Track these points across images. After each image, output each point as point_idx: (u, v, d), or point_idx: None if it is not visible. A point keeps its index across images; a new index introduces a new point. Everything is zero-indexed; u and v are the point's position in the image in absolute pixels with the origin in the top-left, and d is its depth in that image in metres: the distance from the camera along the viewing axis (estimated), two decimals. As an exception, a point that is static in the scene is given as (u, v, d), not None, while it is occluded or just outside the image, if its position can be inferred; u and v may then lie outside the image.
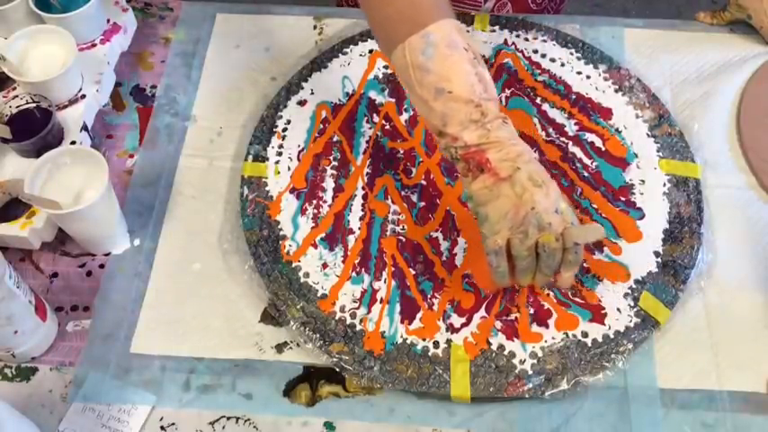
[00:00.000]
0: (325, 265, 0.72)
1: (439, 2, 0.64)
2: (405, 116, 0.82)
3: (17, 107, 0.74)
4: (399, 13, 0.64)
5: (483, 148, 0.61)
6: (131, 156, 0.81)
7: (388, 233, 0.74)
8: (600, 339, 0.68)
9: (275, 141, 0.80)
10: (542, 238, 0.60)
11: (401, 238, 0.74)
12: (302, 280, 0.71)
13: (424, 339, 0.68)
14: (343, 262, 0.72)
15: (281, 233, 0.74)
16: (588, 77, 0.84)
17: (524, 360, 0.66)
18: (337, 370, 0.66)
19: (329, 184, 0.77)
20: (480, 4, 0.93)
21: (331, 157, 0.79)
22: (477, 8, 0.93)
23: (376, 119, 0.82)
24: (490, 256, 0.63)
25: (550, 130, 0.81)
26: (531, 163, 0.62)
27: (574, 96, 0.83)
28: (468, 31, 0.88)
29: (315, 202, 0.76)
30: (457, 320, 0.69)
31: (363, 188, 0.77)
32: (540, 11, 0.97)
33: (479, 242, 0.64)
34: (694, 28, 0.90)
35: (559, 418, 0.65)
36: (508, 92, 0.83)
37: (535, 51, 0.86)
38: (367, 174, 0.78)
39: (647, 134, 0.80)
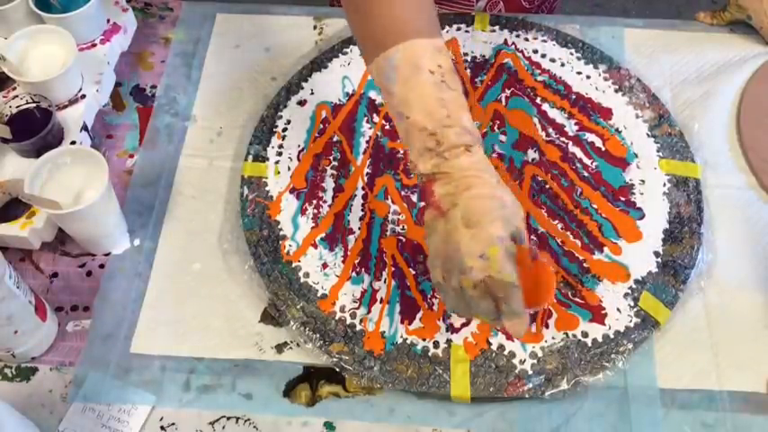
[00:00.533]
0: (325, 265, 0.72)
1: (419, 17, 0.60)
2: (405, 116, 0.82)
3: (17, 107, 0.74)
4: (373, 31, 0.61)
5: (433, 178, 0.58)
6: (131, 156, 0.81)
7: (388, 233, 0.74)
8: (600, 339, 0.68)
9: (275, 141, 0.80)
10: (462, 281, 0.56)
11: (401, 238, 0.74)
12: (302, 280, 0.71)
13: (424, 339, 0.68)
14: (343, 262, 0.72)
15: (281, 233, 0.74)
16: (588, 77, 0.84)
17: (524, 360, 0.66)
18: (337, 370, 0.66)
19: (329, 184, 0.77)
20: (473, 3, 0.93)
21: (331, 157, 0.79)
22: (470, 8, 0.93)
23: (376, 119, 0.82)
24: (436, 289, 0.61)
25: (550, 130, 0.81)
26: (478, 199, 0.57)
27: (574, 96, 0.83)
28: (467, 32, 0.88)
29: (315, 202, 0.76)
30: (457, 320, 0.69)
31: (363, 188, 0.77)
32: (532, 10, 0.97)
33: None
34: (694, 28, 0.90)
35: (559, 418, 0.65)
36: (508, 92, 0.83)
37: (535, 51, 0.86)
38: (367, 174, 0.78)
39: (647, 134, 0.80)
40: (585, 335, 0.68)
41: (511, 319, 0.57)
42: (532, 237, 0.73)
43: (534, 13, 0.97)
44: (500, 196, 0.58)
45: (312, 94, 0.84)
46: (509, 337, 0.68)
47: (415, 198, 0.76)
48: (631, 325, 0.68)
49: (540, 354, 0.67)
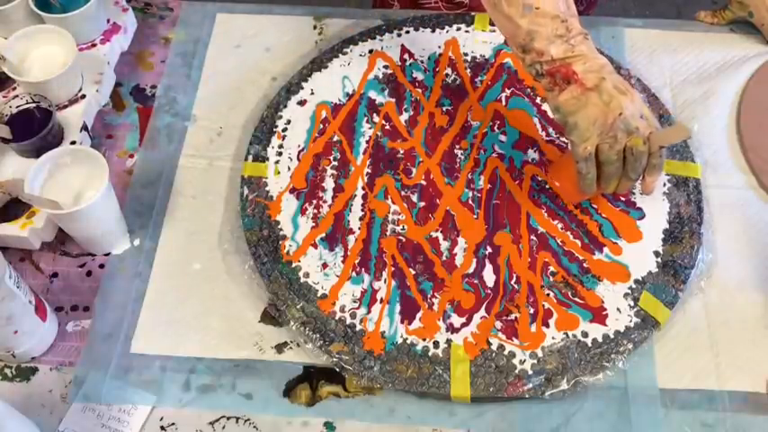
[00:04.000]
0: (325, 265, 0.72)
1: None
2: (405, 116, 0.82)
3: (17, 107, 0.74)
4: None
5: (569, 61, 0.66)
6: (131, 156, 0.81)
7: (388, 233, 0.74)
8: (600, 339, 0.68)
9: (275, 141, 0.80)
10: (630, 141, 0.65)
11: (401, 238, 0.74)
12: (302, 280, 0.71)
13: (424, 339, 0.68)
14: (343, 262, 0.72)
15: (281, 233, 0.74)
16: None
17: (524, 360, 0.66)
18: (337, 370, 0.66)
19: (329, 184, 0.77)
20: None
21: (331, 157, 0.79)
22: None
23: (376, 119, 0.82)
24: (580, 163, 0.67)
25: (550, 129, 0.81)
26: (614, 74, 0.66)
27: (574, 96, 0.83)
28: (467, 32, 0.89)
29: (315, 202, 0.76)
30: (457, 320, 0.69)
31: (363, 188, 0.77)
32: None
33: (562, 158, 0.73)
34: (694, 28, 0.90)
35: (559, 418, 0.65)
36: (508, 92, 0.83)
37: (535, 51, 0.86)
38: (367, 174, 0.78)
39: (647, 134, 0.80)
40: (585, 335, 0.68)
41: (655, 174, 0.68)
42: (532, 237, 0.73)
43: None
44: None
45: (312, 94, 0.84)
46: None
47: (414, 198, 0.76)
48: (631, 325, 0.68)
49: (540, 354, 0.67)
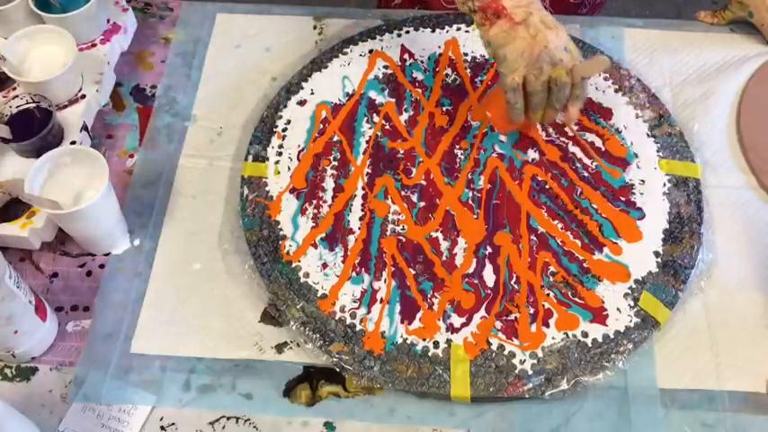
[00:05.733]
0: (325, 265, 0.72)
1: None
2: (405, 116, 0.82)
3: (17, 107, 0.74)
4: None
5: None
6: (131, 156, 0.81)
7: (388, 233, 0.74)
8: (600, 339, 0.68)
9: (275, 141, 0.80)
10: (554, 72, 0.69)
11: (401, 238, 0.74)
12: (302, 280, 0.71)
13: (424, 339, 0.68)
14: (343, 262, 0.72)
15: (281, 233, 0.74)
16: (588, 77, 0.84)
17: (524, 360, 0.66)
18: (337, 370, 0.66)
19: (329, 184, 0.77)
20: None
21: (331, 157, 0.79)
22: None
23: (376, 119, 0.82)
24: (508, 93, 0.72)
25: (550, 130, 0.81)
26: (542, 10, 0.70)
27: (574, 96, 0.83)
28: (467, 32, 0.89)
29: (315, 202, 0.76)
30: (457, 320, 0.69)
31: (363, 188, 0.77)
32: (580, 11, 0.99)
33: (494, 90, 0.77)
34: (694, 28, 0.90)
35: (559, 418, 0.65)
36: (508, 92, 0.83)
37: (535, 51, 0.86)
38: (367, 174, 0.78)
39: (647, 134, 0.80)
40: (585, 335, 0.68)
41: (577, 104, 0.72)
42: (532, 237, 0.73)
43: (578, 12, 0.98)
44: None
45: (312, 94, 0.84)
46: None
47: (414, 198, 0.76)
48: (631, 325, 0.68)
49: (540, 354, 0.67)
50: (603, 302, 0.70)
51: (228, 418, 0.65)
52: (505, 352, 0.67)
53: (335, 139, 0.80)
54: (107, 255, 0.74)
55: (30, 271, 0.73)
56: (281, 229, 0.74)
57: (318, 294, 0.70)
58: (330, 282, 0.71)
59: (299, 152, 0.79)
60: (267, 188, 0.77)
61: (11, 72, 0.75)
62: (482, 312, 0.69)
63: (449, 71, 0.85)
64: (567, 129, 0.80)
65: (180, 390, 0.67)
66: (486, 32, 0.71)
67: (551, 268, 0.71)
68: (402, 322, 0.69)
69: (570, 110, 0.73)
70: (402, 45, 0.88)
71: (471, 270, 0.71)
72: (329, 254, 0.73)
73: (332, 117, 0.82)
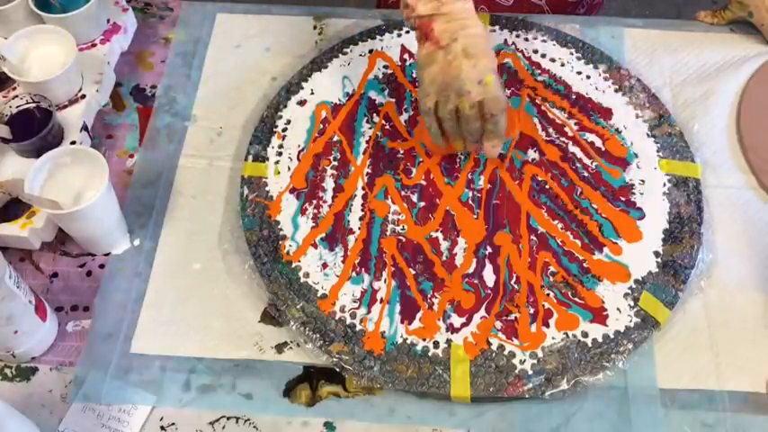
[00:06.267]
0: (325, 265, 0.72)
1: None
2: (405, 116, 0.82)
3: (17, 107, 0.74)
4: None
5: (432, 18, 0.69)
6: (131, 156, 0.81)
7: (388, 233, 0.74)
8: (600, 339, 0.68)
9: (275, 141, 0.80)
10: (459, 103, 0.68)
11: (401, 238, 0.74)
12: (302, 280, 0.71)
13: (424, 339, 0.68)
14: (343, 262, 0.72)
15: (281, 233, 0.74)
16: (588, 77, 0.84)
17: (524, 360, 0.66)
18: (337, 370, 0.66)
19: (329, 184, 0.77)
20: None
21: (331, 157, 0.79)
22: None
23: (376, 119, 0.82)
24: (423, 116, 0.73)
25: (550, 130, 0.81)
26: (474, 37, 0.68)
27: (574, 96, 0.83)
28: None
29: (315, 202, 0.76)
30: (457, 320, 0.69)
31: (363, 188, 0.77)
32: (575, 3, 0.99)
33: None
34: (694, 28, 0.90)
35: (559, 418, 0.65)
36: (508, 92, 0.83)
37: (535, 51, 0.86)
38: (367, 174, 0.78)
39: (647, 134, 0.80)
40: (585, 335, 0.68)
41: (492, 140, 0.71)
42: (532, 237, 0.73)
43: (576, 12, 0.98)
44: (489, 37, 0.70)
45: (312, 94, 0.84)
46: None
47: (414, 198, 0.76)
48: (631, 325, 0.68)
49: (540, 354, 0.67)
50: (603, 302, 0.70)
51: (228, 418, 0.65)
52: (505, 352, 0.67)
53: (335, 139, 0.80)
54: (107, 255, 0.74)
55: (30, 271, 0.73)
56: (281, 229, 0.74)
57: (318, 294, 0.70)
58: (330, 282, 0.71)
59: (299, 152, 0.79)
60: (267, 188, 0.77)
61: (11, 72, 0.75)
62: (482, 312, 0.69)
63: (449, 71, 0.85)
64: (566, 129, 0.80)
65: (180, 390, 0.67)
66: (417, 52, 0.71)
67: (551, 268, 0.71)
68: (402, 322, 0.69)
69: (485, 144, 0.72)
70: (402, 45, 0.88)
71: (471, 270, 0.71)
72: (329, 254, 0.73)
73: (332, 117, 0.82)
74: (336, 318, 0.69)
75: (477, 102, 0.68)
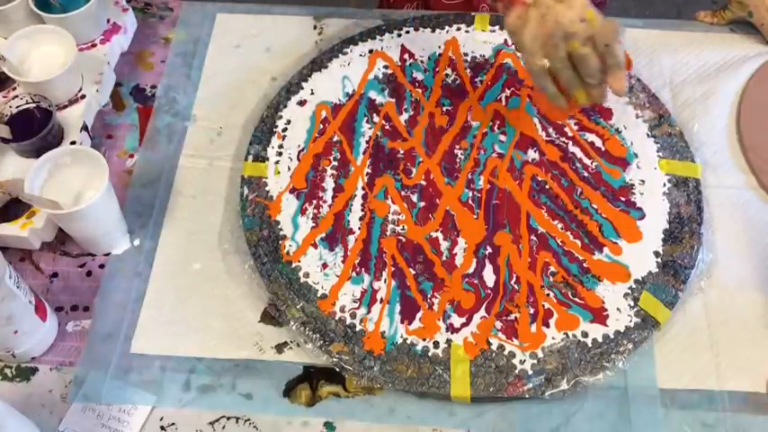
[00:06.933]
0: (325, 265, 0.72)
1: None
2: (405, 116, 0.82)
3: (17, 107, 0.74)
4: None
5: None
6: (131, 156, 0.81)
7: (388, 233, 0.74)
8: (600, 339, 0.68)
9: (275, 141, 0.80)
10: (569, 46, 0.67)
11: (401, 238, 0.74)
12: (302, 280, 0.71)
13: (424, 339, 0.68)
14: (343, 262, 0.72)
15: (281, 233, 0.74)
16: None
17: (524, 360, 0.66)
18: (337, 370, 0.66)
19: (329, 184, 0.77)
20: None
21: (331, 157, 0.79)
22: None
23: (376, 119, 0.82)
24: (535, 79, 0.71)
25: (550, 130, 0.81)
26: None
27: (574, 96, 0.83)
28: (467, 32, 0.89)
29: (315, 202, 0.76)
30: (457, 320, 0.69)
31: (363, 188, 0.77)
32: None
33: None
34: (694, 28, 0.90)
35: (559, 418, 0.65)
36: (508, 92, 0.83)
37: (535, 51, 0.86)
38: (367, 174, 0.78)
39: (647, 134, 0.80)
40: (585, 335, 0.68)
41: (616, 74, 0.67)
42: (532, 237, 0.73)
43: None
44: None
45: (312, 94, 0.84)
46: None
47: (414, 198, 0.76)
48: (631, 325, 0.68)
49: (540, 354, 0.67)
50: (603, 302, 0.70)
51: (228, 418, 0.65)
52: (505, 352, 0.67)
53: (335, 139, 0.80)
54: (107, 255, 0.74)
55: (30, 271, 0.73)
56: (281, 229, 0.74)
57: (318, 294, 0.70)
58: (330, 282, 0.71)
59: (299, 152, 0.79)
60: (267, 188, 0.77)
61: (11, 72, 0.75)
62: (482, 312, 0.69)
63: (449, 71, 0.85)
64: (566, 129, 0.80)
65: (180, 390, 0.67)
66: (506, 22, 0.71)
67: (551, 268, 0.71)
68: (402, 322, 0.69)
69: (609, 81, 0.68)
70: (402, 45, 0.88)
71: (471, 270, 0.71)
72: (329, 254, 0.73)
73: (332, 117, 0.82)
74: (336, 318, 0.69)
75: (587, 37, 0.67)
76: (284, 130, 0.81)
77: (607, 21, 0.67)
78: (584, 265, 0.72)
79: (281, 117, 0.82)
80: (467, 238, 0.73)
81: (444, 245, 0.73)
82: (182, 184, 0.79)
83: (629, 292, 0.70)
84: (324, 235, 0.74)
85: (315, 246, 0.73)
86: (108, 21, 0.85)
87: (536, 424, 0.65)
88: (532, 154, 0.79)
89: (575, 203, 0.75)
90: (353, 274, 0.71)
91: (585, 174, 0.77)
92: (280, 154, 0.79)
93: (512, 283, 0.71)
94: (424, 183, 0.77)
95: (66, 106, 0.79)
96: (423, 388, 0.65)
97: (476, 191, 0.76)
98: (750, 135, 0.80)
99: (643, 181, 0.77)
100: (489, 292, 0.70)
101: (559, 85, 0.70)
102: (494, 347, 0.67)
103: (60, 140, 0.76)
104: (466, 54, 0.87)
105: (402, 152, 0.79)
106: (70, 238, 0.73)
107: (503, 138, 0.80)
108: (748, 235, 0.75)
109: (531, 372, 0.66)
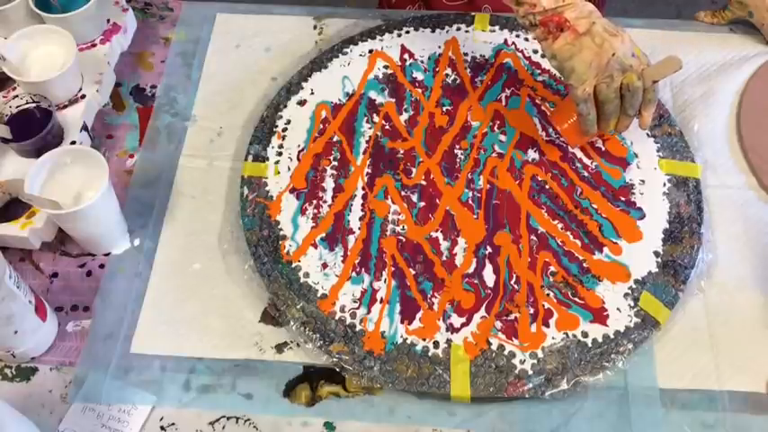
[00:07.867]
0: (325, 265, 0.72)
1: None
2: (405, 116, 0.82)
3: (17, 107, 0.74)
4: None
5: (560, 10, 0.70)
6: (131, 156, 0.81)
7: (388, 233, 0.74)
8: (600, 339, 0.68)
9: (275, 141, 0.80)
10: (626, 78, 0.70)
11: (401, 238, 0.74)
12: (302, 280, 0.71)
13: (423, 339, 0.68)
14: (343, 262, 0.72)
15: (281, 233, 0.74)
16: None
17: (524, 360, 0.66)
18: (337, 370, 0.66)
19: (329, 184, 0.77)
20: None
21: (331, 157, 0.79)
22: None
23: (376, 119, 0.82)
24: (580, 105, 0.71)
25: (550, 129, 0.81)
26: (602, 18, 0.71)
27: (574, 96, 0.83)
28: (467, 32, 0.89)
29: (315, 202, 0.76)
30: (457, 320, 0.69)
31: (363, 188, 0.77)
32: None
33: (563, 103, 0.76)
34: (694, 28, 0.90)
35: (559, 418, 0.65)
36: (508, 92, 0.83)
37: (535, 51, 0.86)
38: (367, 174, 0.78)
39: (647, 134, 0.80)
40: (585, 335, 0.68)
41: (649, 108, 0.73)
42: (532, 237, 0.73)
43: None
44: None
45: (312, 94, 0.84)
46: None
47: (414, 198, 0.76)
48: (631, 325, 0.68)
49: (540, 354, 0.67)
50: (603, 302, 0.70)
51: (228, 418, 0.65)
52: (505, 352, 0.67)
53: (335, 139, 0.80)
54: (107, 255, 0.74)
55: (30, 271, 0.73)
56: (281, 229, 0.74)
57: (318, 294, 0.70)
58: (330, 282, 0.71)
59: (299, 152, 0.79)
60: (267, 188, 0.77)
61: (11, 72, 0.75)
62: (482, 312, 0.69)
63: (449, 71, 0.85)
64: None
65: (180, 390, 0.67)
66: (549, 46, 0.71)
67: (551, 268, 0.71)
68: (402, 322, 0.69)
69: (644, 114, 0.73)
70: (402, 45, 0.88)
71: (471, 270, 0.71)
72: (329, 254, 0.73)
73: (332, 117, 0.82)
74: (336, 318, 0.69)
75: (640, 72, 0.70)
76: (284, 129, 0.81)
77: (668, 58, 0.71)
78: (584, 264, 0.72)
79: (281, 117, 0.82)
80: (467, 237, 0.73)
81: (444, 245, 0.73)
82: (182, 185, 0.79)
83: (629, 291, 0.70)
84: (324, 235, 0.74)
85: (315, 246, 0.73)
86: (108, 21, 0.85)
87: (536, 424, 0.65)
88: (532, 154, 0.79)
89: (575, 203, 0.75)
90: (353, 274, 0.71)
91: (585, 174, 0.77)
92: (280, 154, 0.79)
93: (512, 283, 0.71)
94: (424, 183, 0.77)
95: (66, 106, 0.79)
96: (423, 388, 0.65)
97: (476, 191, 0.76)
98: (750, 135, 0.80)
99: (643, 181, 0.77)
100: (489, 291, 0.70)
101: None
102: (494, 347, 0.67)
103: (60, 140, 0.76)
104: (466, 54, 0.87)
105: (402, 152, 0.79)
106: (70, 238, 0.73)
107: (503, 138, 0.80)
108: (748, 235, 0.75)
109: (531, 372, 0.66)
